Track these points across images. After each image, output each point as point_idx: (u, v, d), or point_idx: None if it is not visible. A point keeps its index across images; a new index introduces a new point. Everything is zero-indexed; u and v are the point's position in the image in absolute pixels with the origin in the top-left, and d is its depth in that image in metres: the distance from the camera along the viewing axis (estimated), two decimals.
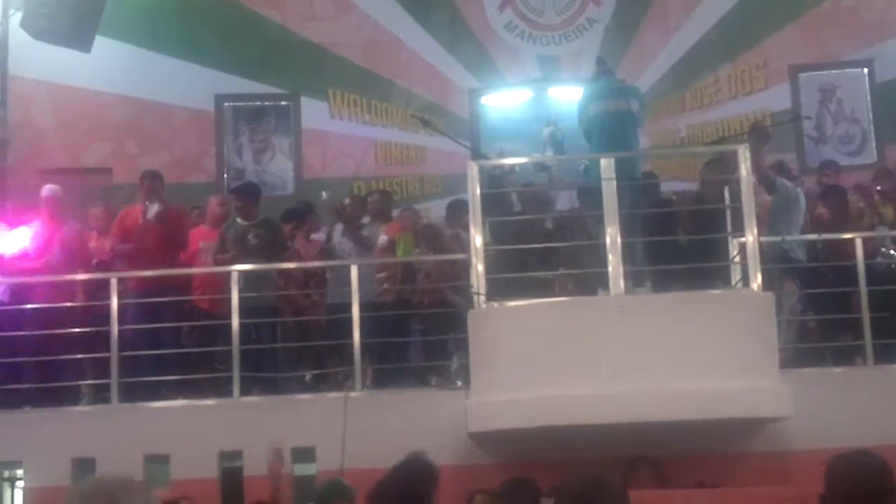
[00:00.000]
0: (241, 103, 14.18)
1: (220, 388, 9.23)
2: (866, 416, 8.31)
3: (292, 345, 9.85)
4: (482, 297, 8.27)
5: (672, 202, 10.62)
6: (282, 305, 10.08)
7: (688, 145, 13.66)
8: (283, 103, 14.20)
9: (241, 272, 9.33)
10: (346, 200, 11.22)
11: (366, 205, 11.03)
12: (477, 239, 8.40)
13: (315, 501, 6.69)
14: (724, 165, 9.37)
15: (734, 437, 8.44)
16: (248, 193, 10.37)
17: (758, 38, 13.97)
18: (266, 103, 14.21)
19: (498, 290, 8.40)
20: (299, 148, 14.12)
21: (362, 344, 8.98)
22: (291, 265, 10.09)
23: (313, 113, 14.09)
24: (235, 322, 9.05)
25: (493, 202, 9.67)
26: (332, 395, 8.96)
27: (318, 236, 10.95)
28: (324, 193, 11.68)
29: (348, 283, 9.16)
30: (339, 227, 10.64)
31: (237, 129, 14.19)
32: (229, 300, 9.16)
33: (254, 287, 9.40)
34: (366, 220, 10.69)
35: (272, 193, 13.10)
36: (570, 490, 3.26)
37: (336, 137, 14.11)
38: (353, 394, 8.77)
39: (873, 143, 13.78)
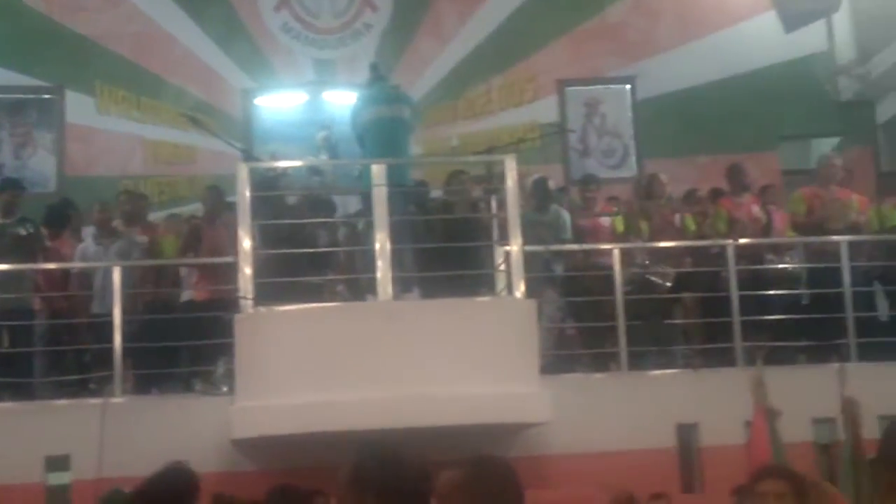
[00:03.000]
0: (2, 95, 13.55)
1: None
2: (620, 421, 8.66)
3: (45, 349, 9.45)
4: (250, 302, 8.16)
5: (449, 210, 10.72)
6: (39, 308, 9.68)
7: (459, 154, 13.87)
8: (46, 96, 13.67)
9: None
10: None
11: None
12: (245, 242, 8.28)
13: None
14: (488, 177, 9.57)
15: (495, 441, 8.60)
16: (14, 189, 9.94)
17: (528, 52, 14.36)
18: (28, 96, 13.65)
19: (267, 294, 8.30)
20: (63, 143, 13.62)
21: (127, 349, 8.73)
22: (51, 265, 9.70)
23: (79, 107, 13.62)
24: None
25: (267, 205, 9.58)
26: (90, 401, 8.65)
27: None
28: None
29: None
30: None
31: None
32: None
33: (8, 289, 8.99)
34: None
35: (33, 190, 12.54)
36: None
37: (103, 134, 13.68)
38: (112, 399, 8.50)
39: (634, 157, 14.36)
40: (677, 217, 10.42)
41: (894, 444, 3.75)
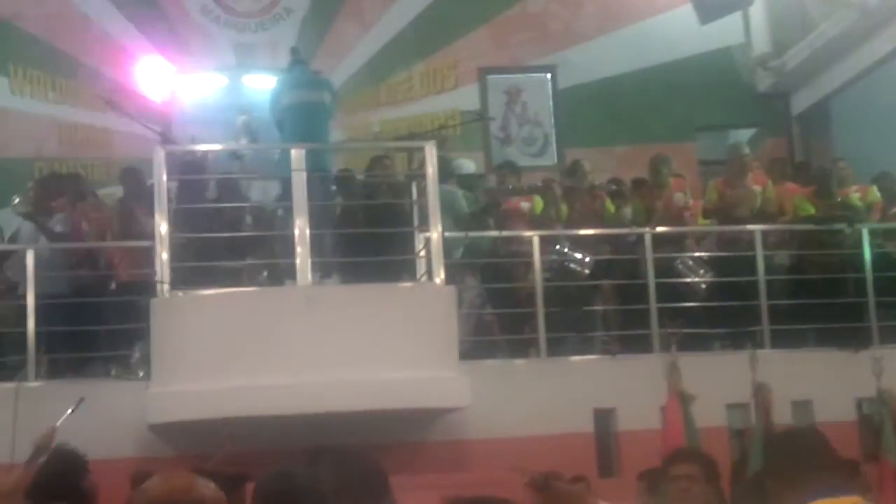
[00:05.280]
0: None
1: None
2: (538, 406, 8.74)
3: None
4: (166, 286, 8.08)
5: (371, 196, 10.65)
6: None
7: (381, 140, 13.84)
8: None
9: None
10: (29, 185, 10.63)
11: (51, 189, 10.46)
12: (162, 226, 8.20)
13: None
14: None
15: (415, 426, 8.66)
16: None
17: (450, 39, 14.36)
18: None
19: (185, 278, 8.23)
20: None
21: (43, 333, 8.60)
22: None
23: None
24: None
25: (187, 189, 9.48)
26: (4, 385, 8.50)
27: None
28: (15, 199, 10.88)
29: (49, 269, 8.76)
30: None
31: None
32: None
33: None
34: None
35: None
36: (262, 489, 3.20)
37: (16, 115, 13.41)
38: (26, 384, 8.36)
39: (554, 146, 14.45)
40: (598, 203, 10.49)
41: (780, 455, 3.86)
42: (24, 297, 8.82)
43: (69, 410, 7.37)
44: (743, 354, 8.67)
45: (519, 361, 9.43)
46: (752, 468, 6.32)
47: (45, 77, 13.51)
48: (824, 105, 14.20)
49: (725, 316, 9.83)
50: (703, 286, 9.80)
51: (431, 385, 8.09)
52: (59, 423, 7.10)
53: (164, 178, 8.28)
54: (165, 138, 10.29)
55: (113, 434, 7.81)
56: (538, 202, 10.35)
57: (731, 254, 10.11)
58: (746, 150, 10.78)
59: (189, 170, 9.72)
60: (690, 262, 9.97)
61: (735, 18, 14.16)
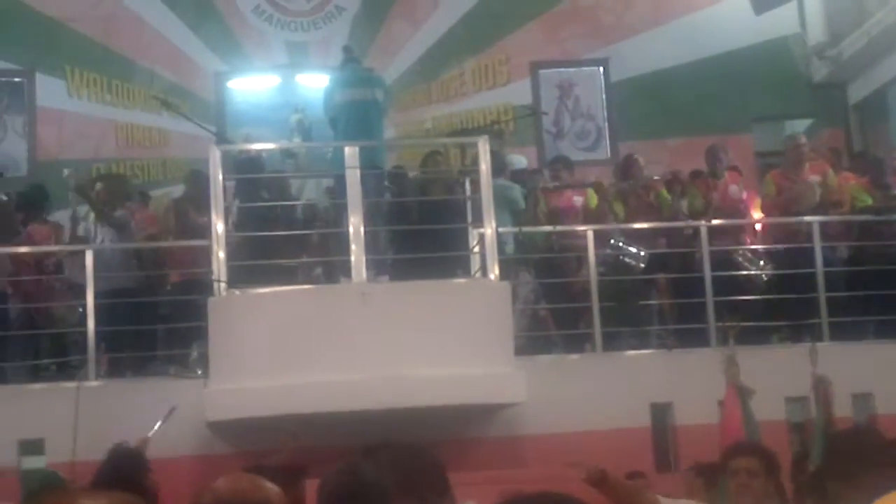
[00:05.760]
0: None
1: None
2: (594, 401, 8.70)
3: (17, 333, 9.40)
4: (223, 285, 8.15)
5: (425, 192, 10.64)
6: (13, 293, 9.62)
7: (433, 136, 13.87)
8: (16, 79, 13.55)
9: None
10: (97, 185, 10.74)
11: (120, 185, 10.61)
12: (218, 225, 8.26)
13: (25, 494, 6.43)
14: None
15: (472, 422, 8.65)
16: None
17: (501, 34, 14.34)
18: None
19: (241, 277, 8.29)
20: (34, 127, 13.51)
21: (103, 332, 8.71)
22: (24, 249, 9.62)
23: (49, 91, 13.52)
24: None
25: (244, 188, 9.57)
26: (65, 384, 8.62)
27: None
28: (66, 171, 11.05)
29: (108, 269, 8.84)
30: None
31: None
32: None
33: None
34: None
35: (4, 174, 12.47)
36: (328, 485, 3.21)
37: (74, 117, 13.58)
38: (86, 383, 8.47)
39: (607, 140, 14.39)
40: (652, 195, 10.41)
41: (839, 455, 3.81)
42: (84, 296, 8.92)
43: (161, 419, 7.50)
44: (802, 347, 8.58)
45: (574, 356, 9.40)
46: (814, 462, 6.24)
47: (102, 79, 13.67)
48: (881, 94, 14.00)
49: (783, 308, 9.73)
50: (765, 278, 9.70)
51: (487, 381, 8.08)
52: (151, 434, 7.23)
53: (220, 177, 8.33)
54: (220, 138, 10.39)
55: (172, 432, 7.87)
56: (592, 196, 10.30)
57: (788, 245, 9.99)
58: (803, 141, 10.65)
59: (244, 168, 9.80)
60: (750, 254, 9.88)
61: (790, 8, 14.03)
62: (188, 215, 9.57)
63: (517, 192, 10.00)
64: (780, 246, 10.10)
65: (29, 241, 9.88)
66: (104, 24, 13.71)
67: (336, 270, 8.98)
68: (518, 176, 10.79)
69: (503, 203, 9.46)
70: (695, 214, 10.15)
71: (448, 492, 3.38)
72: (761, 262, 9.86)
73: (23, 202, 10.40)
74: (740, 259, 9.78)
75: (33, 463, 8.28)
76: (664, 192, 10.43)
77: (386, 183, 9.87)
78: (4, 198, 9.56)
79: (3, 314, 9.35)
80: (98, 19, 13.70)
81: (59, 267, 10.00)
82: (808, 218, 9.90)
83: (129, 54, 13.70)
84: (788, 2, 13.64)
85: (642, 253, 9.65)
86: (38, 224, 10.31)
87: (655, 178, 10.68)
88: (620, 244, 9.65)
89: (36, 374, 9.37)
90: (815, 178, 10.27)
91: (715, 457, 5.94)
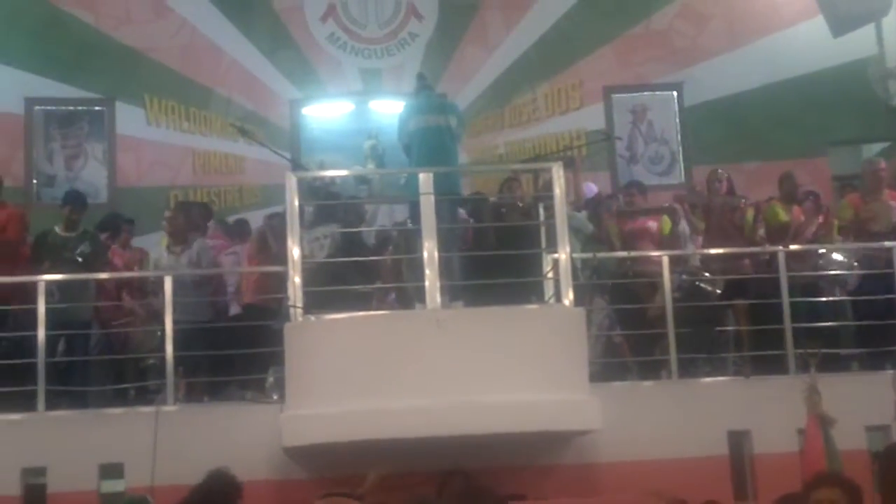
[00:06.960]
0: (53, 107, 13.75)
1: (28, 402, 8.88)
2: (670, 429, 8.62)
3: (97, 358, 9.56)
4: (299, 311, 8.21)
5: (500, 217, 10.64)
6: (95, 318, 9.81)
7: (506, 162, 13.89)
8: (97, 108, 13.83)
9: (52, 283, 9.05)
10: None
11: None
12: (294, 251, 8.33)
13: None
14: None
15: (546, 449, 8.61)
16: (80, 203, 10.03)
17: (574, 59, 14.35)
18: (79, 108, 13.82)
19: (316, 302, 8.35)
20: (114, 155, 13.77)
21: (183, 358, 8.84)
22: (105, 275, 9.80)
23: (129, 119, 13.77)
24: (41, 334, 8.73)
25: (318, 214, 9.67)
26: (143, 409, 8.73)
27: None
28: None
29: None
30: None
31: (48, 134, 13.76)
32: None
33: (70, 298, 9.11)
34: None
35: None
36: None
37: (152, 145, 13.83)
38: (164, 408, 8.58)
39: (681, 164, 14.31)
40: (737, 215, 10.31)
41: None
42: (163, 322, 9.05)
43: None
44: (882, 375, 8.42)
45: (650, 383, 9.31)
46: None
47: (179, 107, 13.91)
48: None
49: (863, 335, 9.57)
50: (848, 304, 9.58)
51: (562, 407, 8.03)
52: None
53: (296, 203, 8.41)
54: (296, 165, 10.50)
55: (248, 457, 7.93)
56: (666, 222, 10.24)
57: (868, 271, 9.84)
58: (883, 165, 10.50)
59: (319, 195, 9.89)
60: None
61: (867, 30, 13.84)
62: (266, 242, 9.72)
63: (580, 220, 9.94)
64: (859, 272, 9.96)
65: (111, 268, 10.06)
66: (182, 53, 13.96)
67: (410, 296, 9.01)
68: (587, 204, 10.75)
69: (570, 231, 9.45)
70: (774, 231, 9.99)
71: None
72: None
73: (105, 227, 10.62)
74: (822, 284, 9.65)
75: (112, 487, 8.39)
76: (749, 211, 10.33)
77: (460, 209, 9.89)
78: (89, 250, 9.73)
79: (84, 339, 9.51)
80: (176, 48, 13.96)
81: (143, 291, 10.17)
82: (888, 244, 9.75)
83: (206, 82, 13.93)
84: (867, 24, 13.45)
85: (717, 279, 9.56)
86: (119, 248, 10.54)
87: (743, 200, 10.57)
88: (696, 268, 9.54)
89: (116, 399, 9.52)
90: (894, 203, 10.14)
91: (794, 486, 5.86)
